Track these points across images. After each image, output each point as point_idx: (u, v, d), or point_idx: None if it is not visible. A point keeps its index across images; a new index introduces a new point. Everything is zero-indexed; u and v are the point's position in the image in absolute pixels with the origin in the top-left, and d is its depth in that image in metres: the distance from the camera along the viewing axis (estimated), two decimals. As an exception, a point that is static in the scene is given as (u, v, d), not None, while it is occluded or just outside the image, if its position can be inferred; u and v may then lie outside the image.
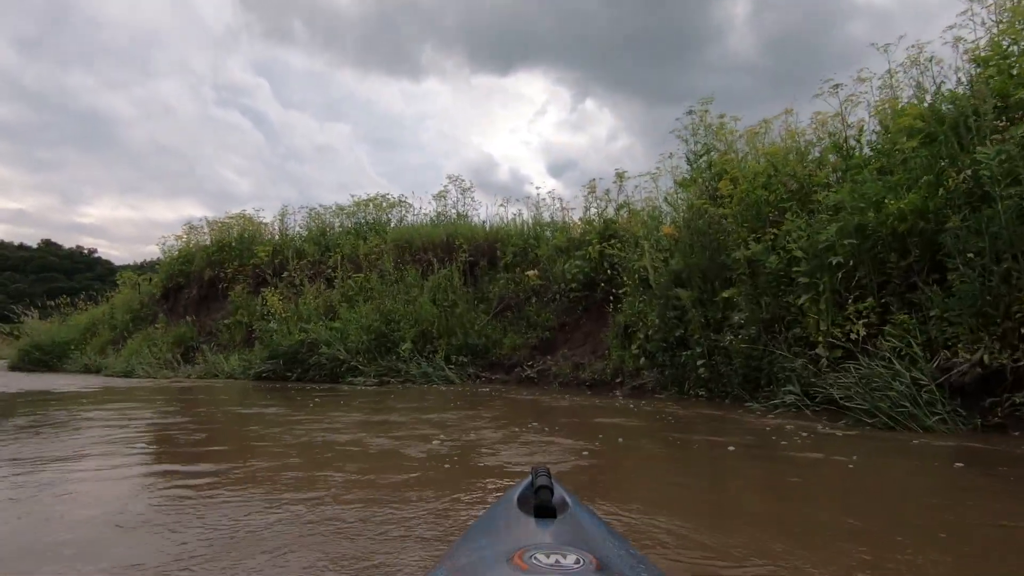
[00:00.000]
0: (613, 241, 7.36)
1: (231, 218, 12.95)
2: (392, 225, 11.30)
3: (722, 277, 5.38)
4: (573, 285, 7.67)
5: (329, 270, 10.30)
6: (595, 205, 8.30)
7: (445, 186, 10.83)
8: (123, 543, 1.70)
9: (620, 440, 3.54)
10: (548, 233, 8.96)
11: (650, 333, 5.90)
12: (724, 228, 5.48)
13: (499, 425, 4.09)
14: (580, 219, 8.61)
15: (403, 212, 11.62)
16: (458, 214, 10.53)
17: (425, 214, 11.20)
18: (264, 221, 12.80)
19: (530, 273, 8.22)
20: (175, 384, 8.39)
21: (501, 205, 10.06)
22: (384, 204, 11.76)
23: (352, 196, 12.23)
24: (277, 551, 1.60)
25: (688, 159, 6.79)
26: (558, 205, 9.32)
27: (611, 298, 6.82)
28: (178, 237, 13.76)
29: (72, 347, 13.45)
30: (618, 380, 6.21)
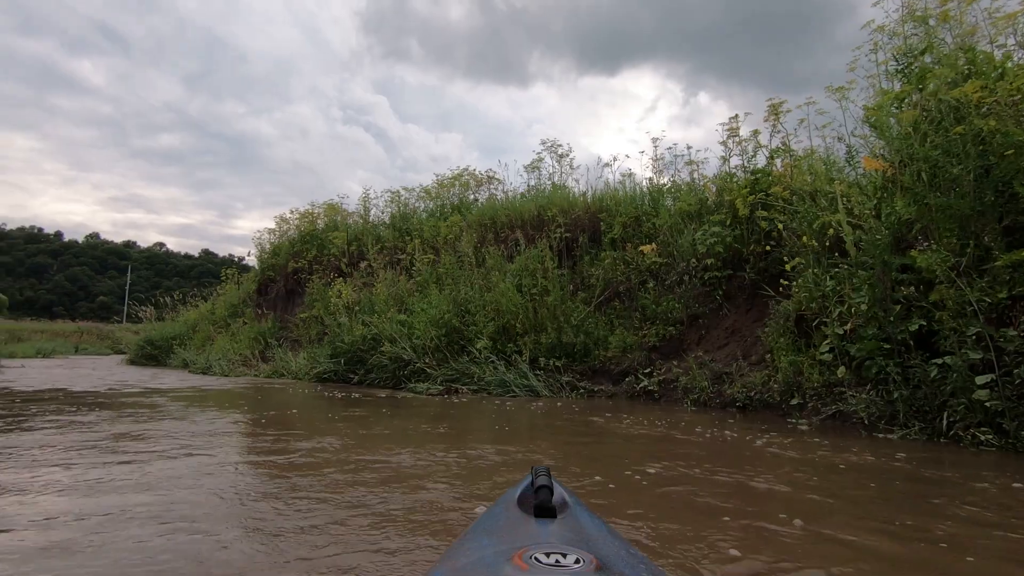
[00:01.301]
0: (766, 196, 5.04)
1: (316, 207, 12.18)
2: (480, 204, 9.70)
3: (1001, 227, 2.96)
4: (709, 262, 5.43)
5: (408, 258, 8.92)
6: (738, 152, 5.98)
7: (538, 154, 9.00)
8: None
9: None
10: (669, 201, 6.76)
11: (852, 327, 3.58)
12: (1004, 143, 3.05)
13: (613, 494, 2.14)
14: (715, 176, 6.33)
15: (492, 189, 9.98)
16: (553, 185, 8.63)
17: (515, 189, 9.45)
18: (348, 209, 11.86)
19: (646, 248, 6.10)
20: (233, 386, 7.38)
21: (606, 165, 7.97)
22: (471, 182, 10.21)
23: (436, 175, 10.84)
24: None
25: (897, 58, 4.31)
26: (682, 160, 7.06)
27: (770, 276, 4.53)
28: (270, 231, 13.35)
29: (177, 343, 13.52)
30: (794, 402, 3.92)
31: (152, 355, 14.04)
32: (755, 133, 5.91)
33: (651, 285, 5.94)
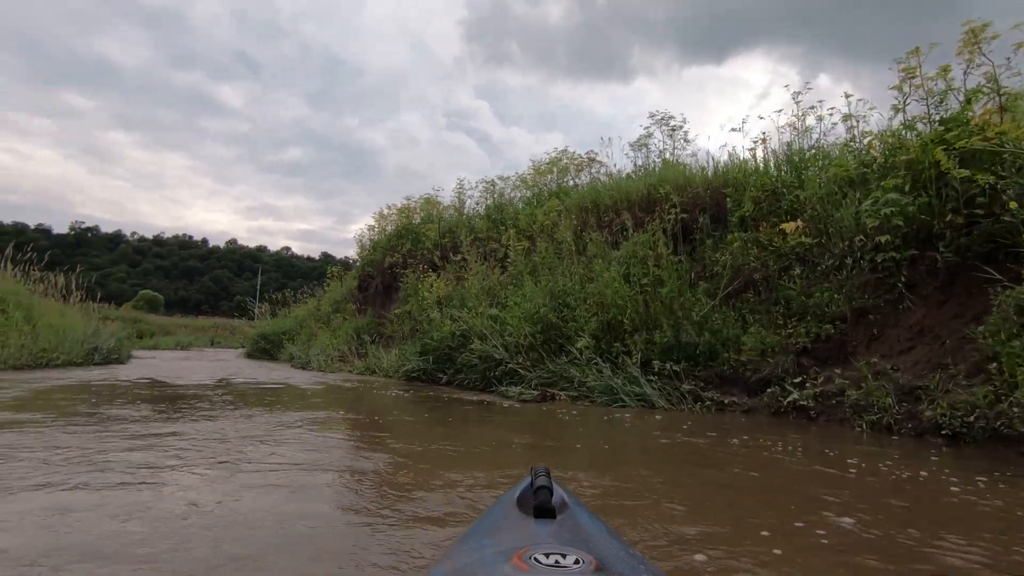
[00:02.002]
0: (961, 150, 3.68)
1: (413, 201, 11.96)
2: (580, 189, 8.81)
3: None
4: (883, 239, 4.14)
5: (502, 249, 8.26)
6: (916, 97, 4.58)
7: (647, 128, 7.92)
8: None
9: None
10: (813, 170, 5.44)
11: None
12: None
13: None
14: (882, 132, 4.95)
15: (594, 172, 9.05)
16: (664, 162, 7.53)
17: (619, 171, 8.45)
18: (443, 203, 11.50)
19: (789, 227, 4.88)
20: (316, 382, 7.14)
21: (734, 129, 6.74)
22: (570, 166, 9.36)
23: (531, 161, 10.11)
24: None
25: None
26: (826, 124, 5.69)
27: (978, 256, 3.23)
28: (370, 228, 13.41)
29: (286, 338, 14.03)
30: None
31: (265, 349, 14.73)
32: (943, 70, 4.49)
33: (797, 272, 4.72)
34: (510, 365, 5.57)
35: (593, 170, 9.10)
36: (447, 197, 11.58)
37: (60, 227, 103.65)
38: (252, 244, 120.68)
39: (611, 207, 6.81)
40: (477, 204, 10.74)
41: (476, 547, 0.70)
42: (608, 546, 0.71)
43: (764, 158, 6.10)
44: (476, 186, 10.78)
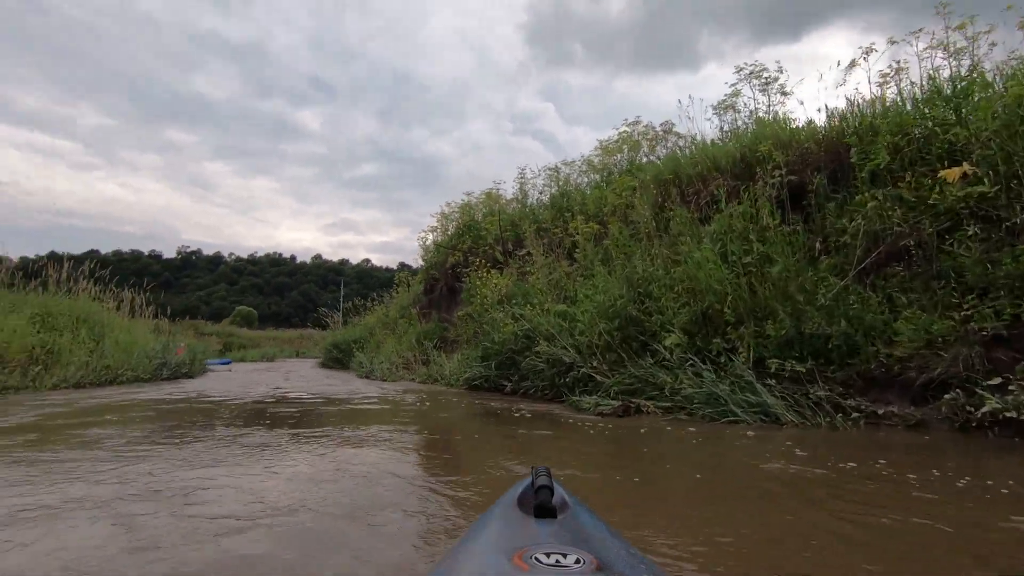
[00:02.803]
0: None
1: (474, 197, 11.30)
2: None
3: None
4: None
5: (568, 239, 7.35)
6: None
7: (733, 86, 6.70)
8: None
9: None
10: (977, 99, 4.10)
11: None
12: None
13: None
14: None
15: (672, 145, 7.91)
16: (758, 119, 6.29)
17: (703, 139, 7.26)
18: (506, 196, 10.73)
19: (951, 174, 3.62)
20: (372, 395, 6.54)
21: (852, 65, 5.39)
22: (642, 141, 8.27)
23: (599, 141, 9.09)
24: None
25: None
26: (996, 33, 4.29)
27: None
28: (432, 228, 12.90)
29: (356, 346, 13.83)
30: None
31: (337, 358, 14.65)
32: None
33: (971, 232, 3.46)
34: (583, 370, 4.65)
35: (670, 143, 7.96)
36: (509, 190, 10.81)
37: (169, 252, 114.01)
38: (335, 258, 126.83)
39: (696, 177, 5.71)
40: (541, 193, 9.88)
41: (477, 547, 0.69)
42: (609, 546, 0.69)
43: (897, 97, 4.78)
44: (538, 174, 9.92)
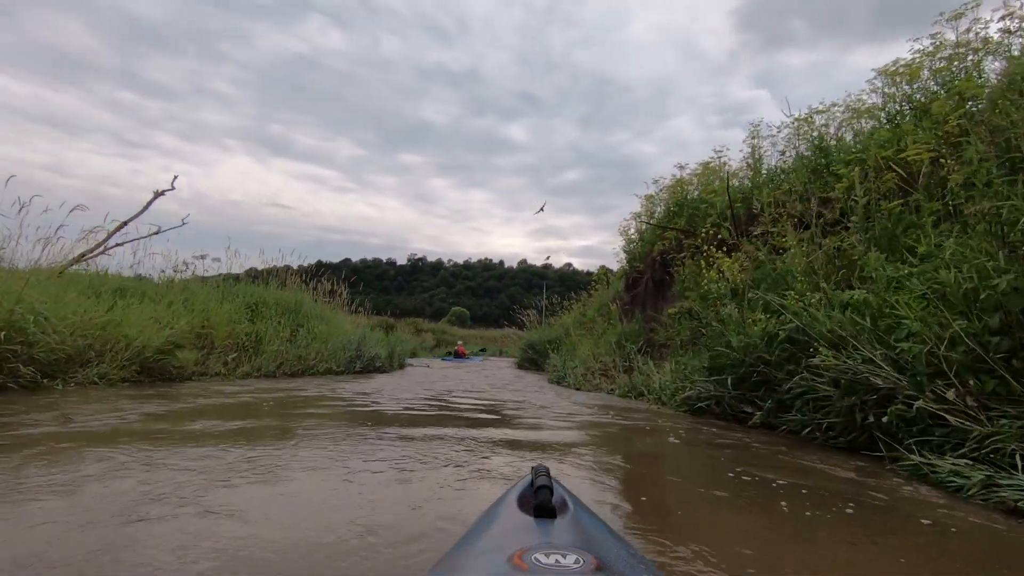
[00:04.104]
0: None
1: (686, 171, 9.27)
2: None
3: None
4: None
5: (839, 201, 5.00)
6: None
7: None
8: None
9: None
10: None
11: None
12: None
13: None
14: None
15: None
16: None
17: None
18: (731, 164, 8.48)
19: None
20: (556, 413, 5.12)
21: None
22: (961, 53, 5.43)
23: (873, 71, 6.35)
24: None
25: None
26: None
27: None
28: (635, 215, 11.17)
29: (551, 347, 12.79)
30: None
31: (532, 359, 13.82)
32: None
33: None
34: (917, 404, 2.54)
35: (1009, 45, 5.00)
36: (735, 158, 8.53)
37: (401, 259, 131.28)
38: (539, 263, 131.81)
39: None
40: (783, 154, 7.45)
41: (476, 546, 0.69)
42: (609, 546, 0.70)
43: None
44: (779, 130, 7.49)
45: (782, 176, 6.92)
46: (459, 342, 23.79)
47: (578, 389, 7.36)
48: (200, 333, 6.44)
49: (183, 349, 5.32)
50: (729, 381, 3.94)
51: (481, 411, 4.35)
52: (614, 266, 13.48)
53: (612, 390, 6.68)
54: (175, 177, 8.20)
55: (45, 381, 3.96)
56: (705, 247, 6.76)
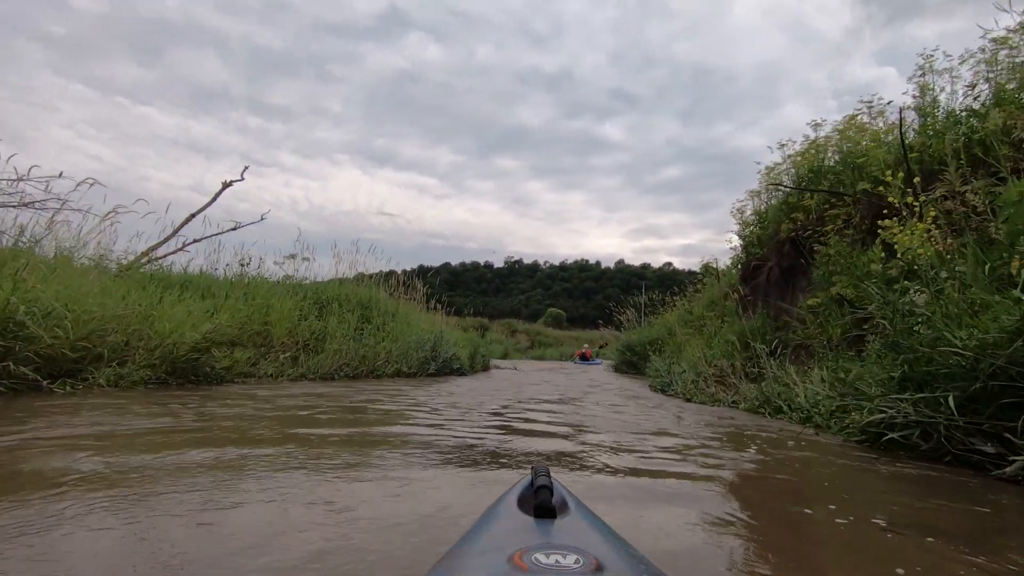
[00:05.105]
0: None
1: (822, 130, 7.47)
2: None
3: None
4: None
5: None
6: None
7: None
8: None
9: None
10: None
11: None
12: None
13: None
14: None
15: None
16: None
17: None
18: (889, 117, 6.60)
19: None
20: (673, 429, 3.84)
21: None
22: None
23: None
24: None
25: None
26: None
27: None
28: (753, 193, 9.42)
29: (652, 348, 11.30)
30: None
31: (631, 362, 12.38)
32: None
33: None
34: None
35: None
36: (896, 99, 6.62)
37: (498, 262, 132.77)
38: (636, 263, 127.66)
39: None
40: (968, 94, 5.55)
41: (476, 547, 0.69)
42: (609, 546, 0.68)
43: None
44: (964, 59, 5.58)
45: (972, 119, 5.09)
46: (585, 345, 23.06)
47: (688, 400, 5.96)
48: (259, 331, 5.91)
49: (222, 347, 4.72)
50: (948, 400, 2.47)
51: (557, 437, 3.21)
52: (717, 271, 11.72)
53: (735, 402, 5.23)
54: (245, 168, 7.95)
55: (47, 383, 3.44)
56: (861, 222, 5.10)
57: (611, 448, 2.76)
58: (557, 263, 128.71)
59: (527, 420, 3.80)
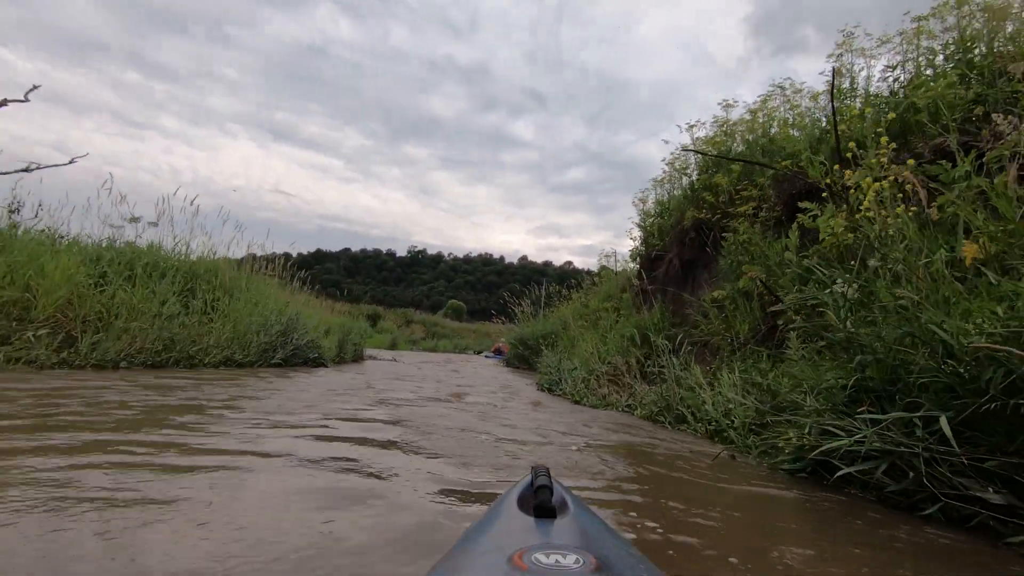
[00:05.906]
0: None
1: (733, 113, 6.98)
2: None
3: None
4: None
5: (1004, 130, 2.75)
6: None
7: None
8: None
9: None
10: None
11: None
12: None
13: None
14: None
15: None
16: None
17: None
18: (811, 93, 6.16)
19: None
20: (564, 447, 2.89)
21: None
22: None
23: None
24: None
25: None
26: None
27: None
28: (656, 182, 8.89)
29: (545, 343, 10.55)
30: None
31: (523, 356, 11.60)
32: None
33: None
34: None
35: None
36: (810, 82, 6.23)
37: (401, 251, 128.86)
38: (539, 260, 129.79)
39: None
40: (894, 71, 5.16)
41: (476, 547, 0.68)
42: (608, 546, 0.68)
43: None
44: (883, 42, 5.19)
45: (901, 100, 4.66)
46: (501, 339, 20.74)
47: (577, 402, 5.12)
48: (15, 299, 4.23)
49: None
50: (946, 423, 1.68)
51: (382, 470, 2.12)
52: (617, 267, 11.24)
53: (630, 406, 4.43)
54: (33, 87, 5.97)
55: None
56: (769, 206, 4.50)
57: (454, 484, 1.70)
58: (461, 256, 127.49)
59: (380, 430, 2.65)
